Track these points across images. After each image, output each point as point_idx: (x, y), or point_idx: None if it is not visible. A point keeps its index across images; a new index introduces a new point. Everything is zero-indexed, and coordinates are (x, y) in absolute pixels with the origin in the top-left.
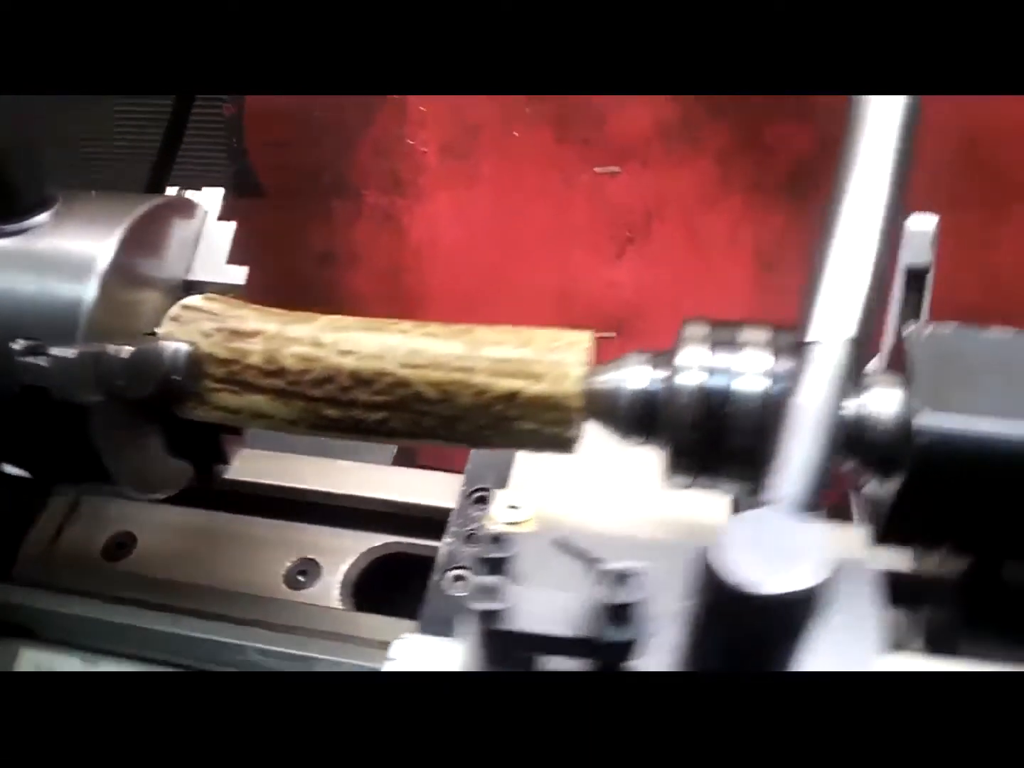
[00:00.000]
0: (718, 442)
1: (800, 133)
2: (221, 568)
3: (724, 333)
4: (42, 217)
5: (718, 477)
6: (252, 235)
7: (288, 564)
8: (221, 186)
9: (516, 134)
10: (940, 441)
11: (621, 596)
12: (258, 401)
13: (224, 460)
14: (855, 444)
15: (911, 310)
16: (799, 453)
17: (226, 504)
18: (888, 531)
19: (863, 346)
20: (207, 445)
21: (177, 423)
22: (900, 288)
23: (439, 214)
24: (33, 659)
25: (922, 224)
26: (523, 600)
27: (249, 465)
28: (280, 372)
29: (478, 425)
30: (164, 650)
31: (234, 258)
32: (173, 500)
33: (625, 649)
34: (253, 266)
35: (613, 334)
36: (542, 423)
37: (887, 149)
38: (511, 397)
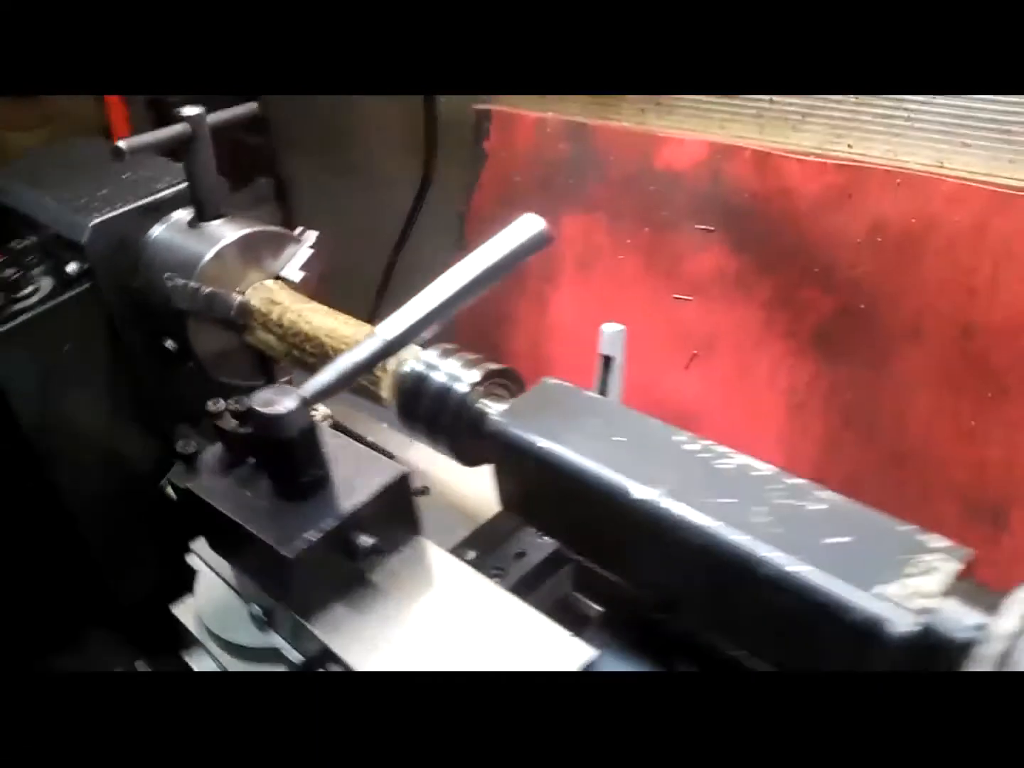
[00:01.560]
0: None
1: (824, 299)
2: None
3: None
4: (219, 221)
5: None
6: None
7: None
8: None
9: (621, 257)
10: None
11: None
12: (270, 339)
13: (272, 379)
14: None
15: (603, 385)
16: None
17: None
18: (502, 502)
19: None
20: (264, 363)
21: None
22: (599, 368)
23: (567, 301)
24: None
25: (613, 327)
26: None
27: None
28: (280, 326)
29: None
30: None
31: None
32: None
33: None
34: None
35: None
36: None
37: None
38: None
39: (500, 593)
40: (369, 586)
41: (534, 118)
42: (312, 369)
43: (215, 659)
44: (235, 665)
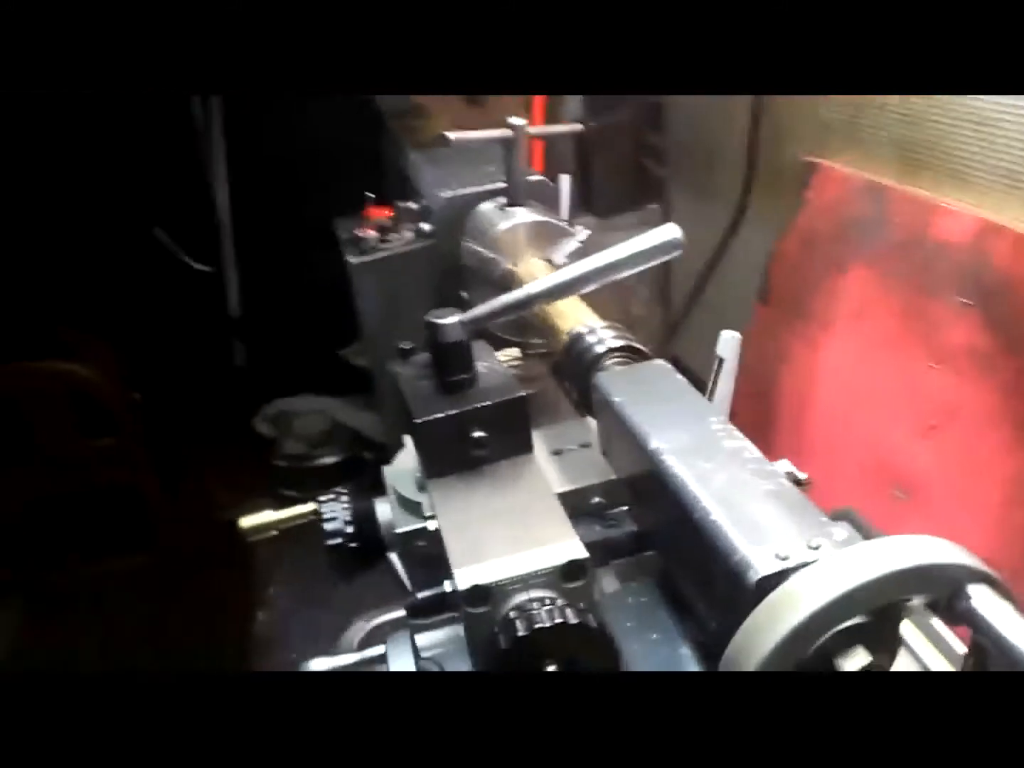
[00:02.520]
0: None
1: None
2: None
3: None
4: (523, 208)
5: None
6: None
7: None
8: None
9: (885, 314)
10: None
11: None
12: None
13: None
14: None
15: (712, 383)
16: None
17: None
18: (601, 447)
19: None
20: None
21: None
22: (714, 370)
23: (832, 349)
24: None
25: (730, 334)
26: None
27: None
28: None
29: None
30: None
31: None
32: None
33: None
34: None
35: (905, 496)
36: None
37: None
38: None
39: (558, 508)
40: (478, 474)
41: (846, 174)
42: (539, 334)
43: (392, 506)
44: (401, 515)
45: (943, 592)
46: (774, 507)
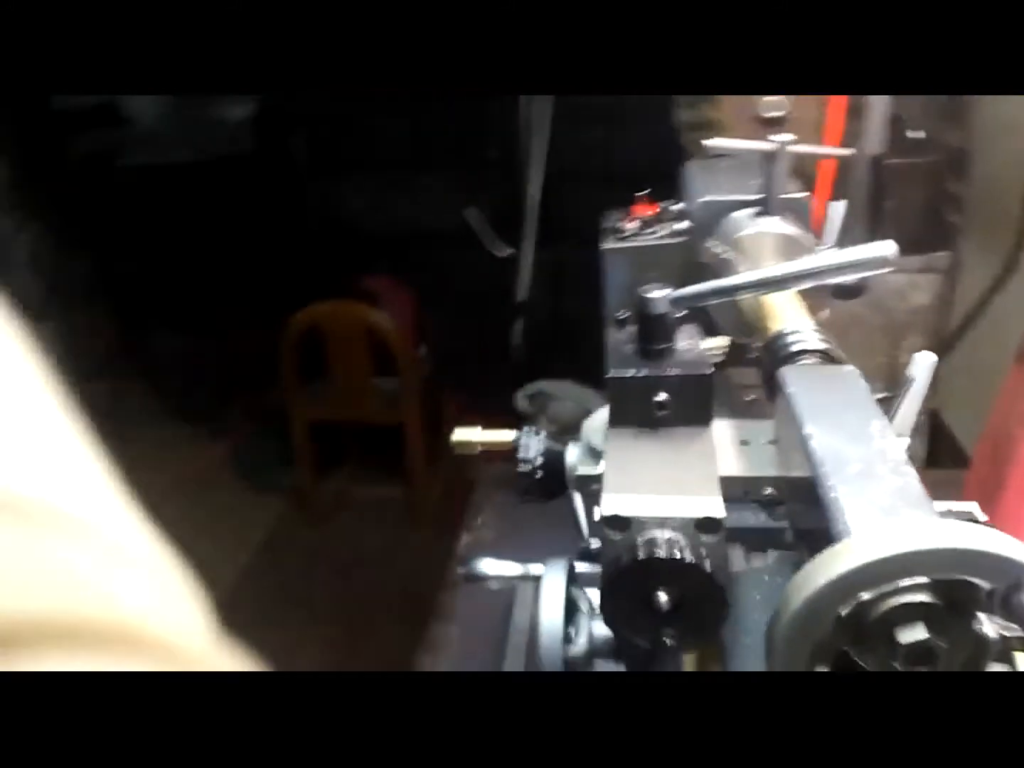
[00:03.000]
0: None
1: None
2: None
3: None
4: (775, 218)
5: None
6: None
7: None
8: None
9: None
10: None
11: None
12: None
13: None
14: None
15: (898, 401)
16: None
17: None
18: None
19: None
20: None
21: None
22: (903, 390)
23: None
24: None
25: (927, 355)
26: None
27: None
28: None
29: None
30: None
31: None
32: None
33: None
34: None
35: None
36: None
37: None
38: None
39: (714, 475)
40: (653, 433)
41: None
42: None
43: (580, 451)
44: (585, 459)
45: (1001, 582)
46: (891, 492)
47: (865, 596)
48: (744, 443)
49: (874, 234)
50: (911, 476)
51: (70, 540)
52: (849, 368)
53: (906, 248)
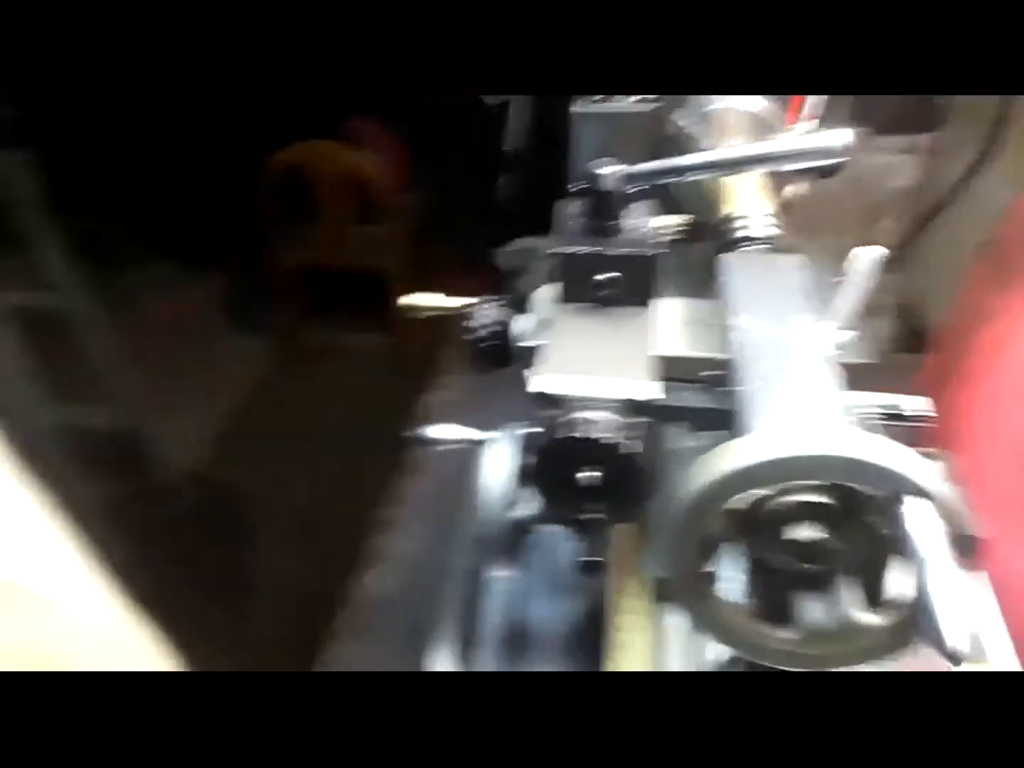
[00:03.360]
0: None
1: None
2: None
3: None
4: None
5: None
6: None
7: None
8: None
9: None
10: None
11: None
12: None
13: None
14: None
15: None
16: None
17: None
18: None
19: None
20: None
21: None
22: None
23: None
24: None
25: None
26: None
27: None
28: None
29: None
30: None
31: None
32: None
33: None
34: None
35: None
36: None
37: None
38: None
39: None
40: (596, 311)
41: None
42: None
43: (527, 323)
44: (531, 333)
45: (882, 492)
46: (800, 391)
47: (754, 494)
48: (691, 322)
49: (857, 114)
50: (827, 374)
51: None
52: (793, 257)
53: (890, 128)
